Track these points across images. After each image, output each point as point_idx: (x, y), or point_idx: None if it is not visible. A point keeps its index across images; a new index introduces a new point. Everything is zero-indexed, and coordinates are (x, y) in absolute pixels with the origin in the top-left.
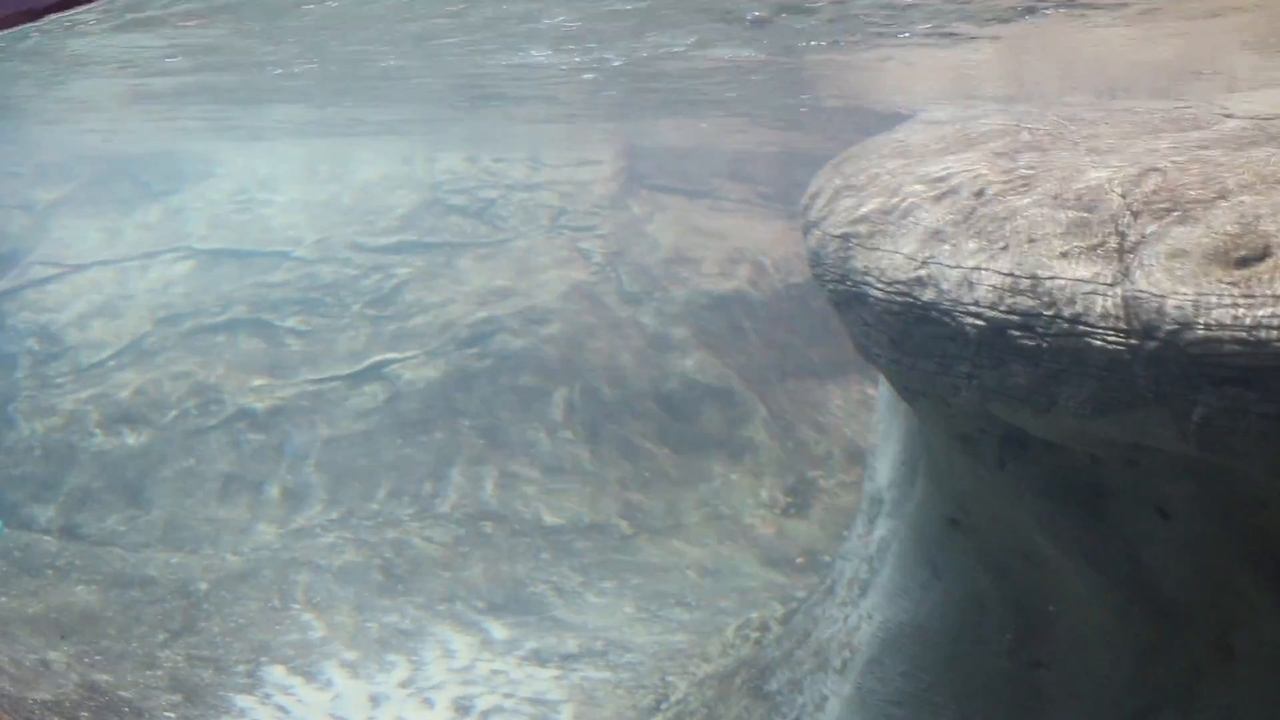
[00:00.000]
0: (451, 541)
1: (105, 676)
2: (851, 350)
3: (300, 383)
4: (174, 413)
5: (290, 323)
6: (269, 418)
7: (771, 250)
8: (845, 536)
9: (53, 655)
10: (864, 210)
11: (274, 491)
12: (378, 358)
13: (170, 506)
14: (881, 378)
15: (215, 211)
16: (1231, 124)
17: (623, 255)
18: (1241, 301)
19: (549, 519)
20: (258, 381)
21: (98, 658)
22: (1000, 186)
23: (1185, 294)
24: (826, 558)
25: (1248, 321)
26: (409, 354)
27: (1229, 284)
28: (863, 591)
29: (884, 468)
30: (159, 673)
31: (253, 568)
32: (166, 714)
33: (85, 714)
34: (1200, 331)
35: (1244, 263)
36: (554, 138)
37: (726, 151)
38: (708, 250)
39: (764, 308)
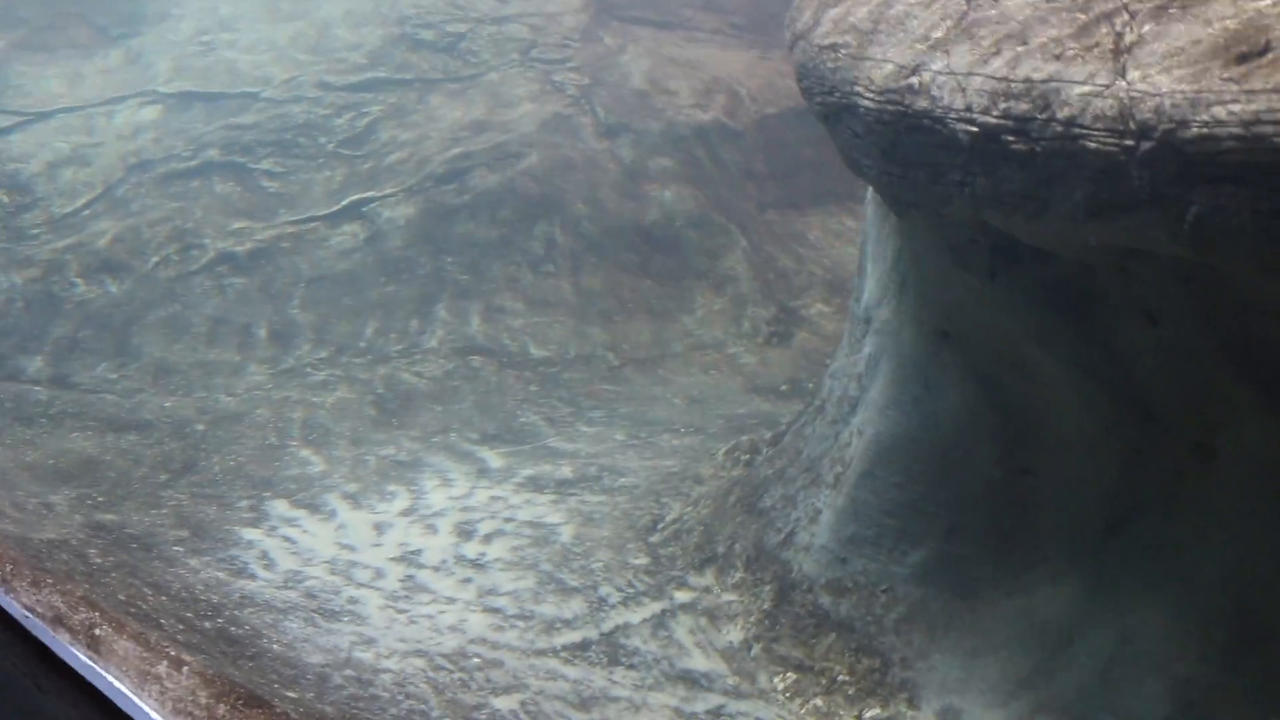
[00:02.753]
0: (441, 376)
1: (110, 516)
2: (830, 181)
3: (279, 224)
4: (155, 259)
5: (265, 164)
6: (251, 260)
7: (747, 81)
8: (830, 360)
9: (55, 499)
10: (852, 19)
11: (262, 333)
12: (355, 197)
13: (159, 352)
14: (869, 193)
15: (178, 54)
16: None
17: (597, 87)
18: (1240, 97)
19: (536, 351)
20: (237, 224)
21: (100, 499)
22: None
23: (1183, 91)
24: (810, 384)
25: (1245, 117)
26: (387, 192)
27: (1227, 79)
28: (853, 408)
29: (872, 286)
30: (163, 511)
31: (247, 407)
32: (175, 548)
33: (93, 550)
34: (1197, 129)
35: (1243, 59)
36: None
37: None
38: (682, 81)
39: (741, 138)
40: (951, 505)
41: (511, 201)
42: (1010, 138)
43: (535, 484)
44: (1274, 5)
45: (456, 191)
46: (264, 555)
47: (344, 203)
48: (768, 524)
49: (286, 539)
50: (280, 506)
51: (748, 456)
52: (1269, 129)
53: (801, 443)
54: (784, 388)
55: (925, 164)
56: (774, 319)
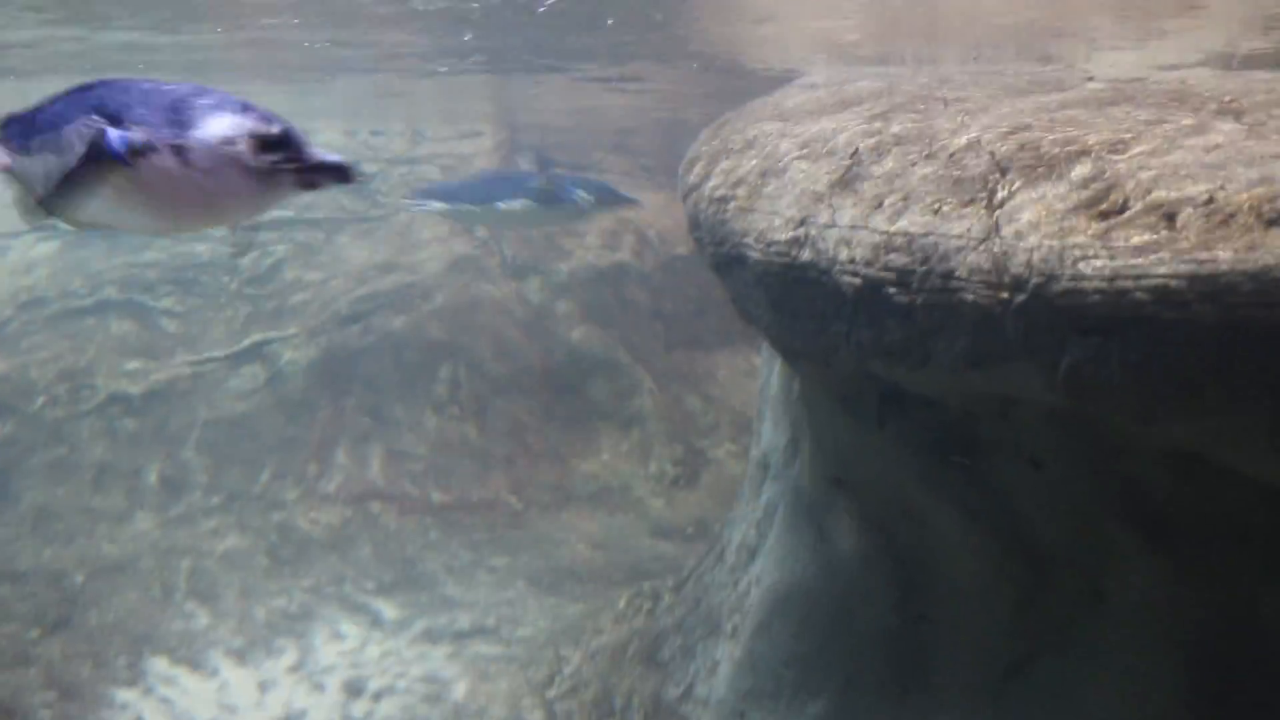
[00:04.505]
0: (338, 523)
1: None
2: (737, 321)
3: (177, 365)
4: (42, 399)
5: (165, 303)
6: (145, 402)
7: (656, 222)
8: (735, 504)
9: None
10: (742, 172)
11: (152, 478)
12: (257, 337)
13: (41, 498)
14: (764, 341)
15: None
16: (1092, 85)
17: (507, 228)
18: (1102, 253)
19: (437, 496)
20: (132, 364)
21: None
22: (875, 147)
23: (1051, 247)
24: (717, 526)
25: (1108, 273)
26: (290, 333)
27: (1090, 237)
28: (751, 556)
29: (769, 431)
30: (33, 670)
31: (131, 557)
32: (42, 712)
33: None
34: (1065, 284)
35: (1104, 216)
36: (432, 110)
37: (610, 124)
38: (591, 222)
39: (649, 279)
40: (849, 655)
41: (417, 343)
42: (892, 290)
43: (430, 636)
44: (1130, 167)
45: (361, 333)
46: (137, 719)
47: (245, 343)
48: (666, 677)
49: (164, 700)
50: (160, 664)
51: (650, 604)
52: (1128, 284)
53: (702, 591)
54: (690, 530)
55: (812, 315)
56: (681, 460)
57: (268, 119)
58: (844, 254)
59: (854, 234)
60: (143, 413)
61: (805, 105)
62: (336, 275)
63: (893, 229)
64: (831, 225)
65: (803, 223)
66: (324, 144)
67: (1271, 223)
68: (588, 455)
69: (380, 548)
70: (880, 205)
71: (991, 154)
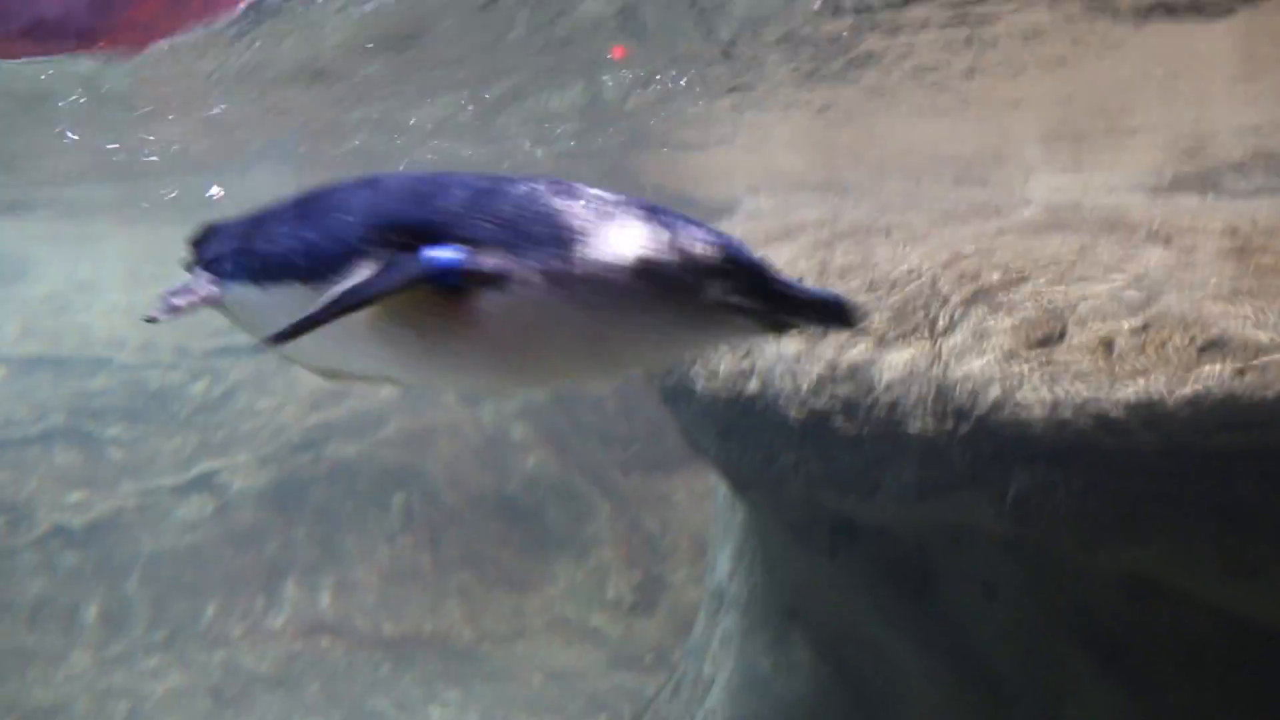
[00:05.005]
0: (285, 659)
1: None
2: None
3: (122, 495)
4: None
5: (112, 431)
6: (87, 534)
7: None
8: (692, 633)
9: None
10: None
11: (91, 614)
12: (206, 466)
13: None
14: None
15: (29, 314)
16: (1029, 211)
17: None
18: (1044, 382)
19: (389, 629)
20: (75, 495)
21: None
22: (818, 276)
23: (993, 376)
24: (676, 655)
25: (1050, 401)
26: (239, 461)
27: (1031, 365)
28: (707, 688)
29: (723, 561)
30: None
31: (64, 700)
32: None
33: None
34: (1008, 413)
35: (1044, 344)
36: None
37: None
38: None
39: (606, 401)
40: None
41: (369, 471)
42: (839, 421)
43: None
44: (1067, 295)
45: (312, 461)
46: None
47: (193, 473)
48: None
49: None
50: None
51: None
52: (1070, 413)
53: None
54: (648, 659)
55: (761, 446)
56: (639, 586)
57: (706, 234)
58: (790, 385)
59: (800, 365)
60: (85, 545)
61: (750, 234)
62: (290, 402)
63: (839, 359)
64: (778, 357)
65: (749, 354)
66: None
67: (1204, 350)
68: (544, 583)
69: (328, 685)
70: (825, 335)
71: (933, 283)
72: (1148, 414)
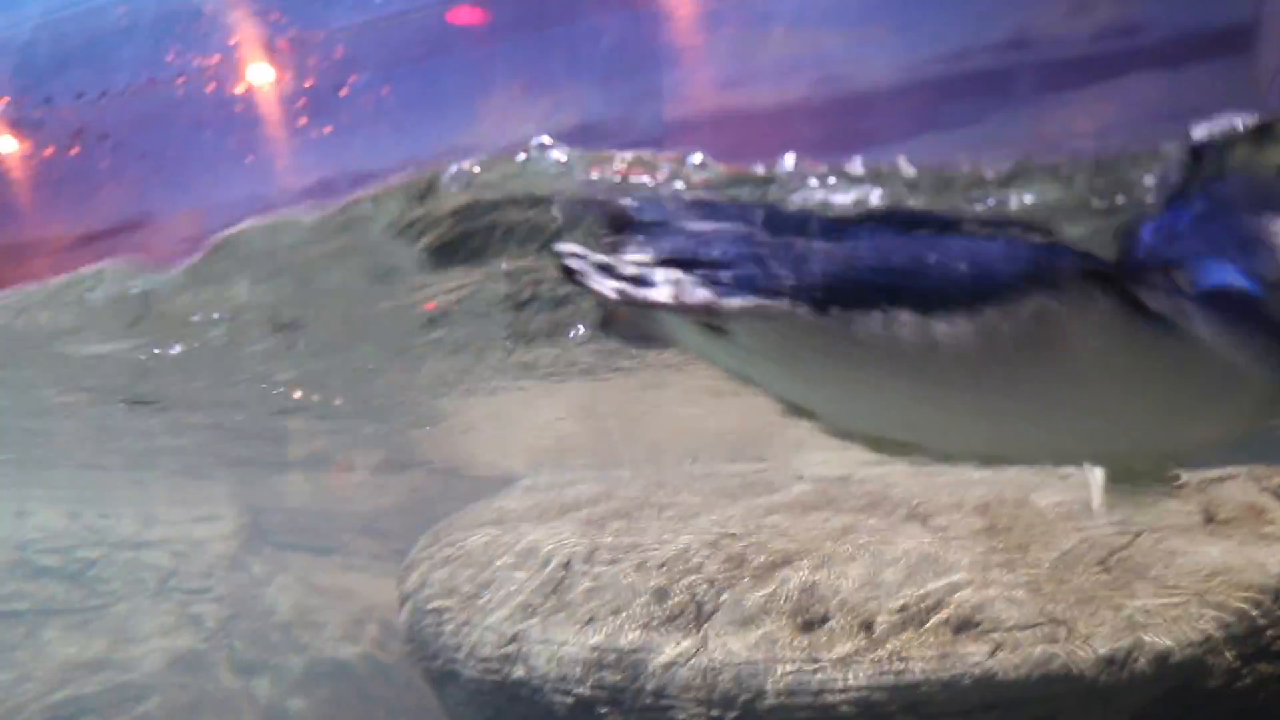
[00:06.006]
0: None
1: None
2: None
3: None
4: None
5: None
6: None
7: None
8: None
9: None
10: (456, 582)
11: None
12: None
13: None
14: None
15: None
16: (799, 488)
17: (238, 619)
18: (807, 666)
19: None
20: None
21: None
22: (588, 557)
23: (758, 663)
24: None
25: (814, 686)
26: None
27: (796, 650)
28: None
29: None
30: None
31: None
32: None
33: None
34: (772, 700)
35: (808, 628)
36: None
37: (360, 508)
38: (333, 612)
39: (394, 671)
40: None
41: None
42: (605, 709)
43: None
44: (830, 577)
45: None
46: None
47: None
48: None
49: None
50: None
51: None
52: (834, 696)
53: None
54: None
55: None
56: None
57: None
58: (555, 671)
59: (566, 650)
60: None
61: (525, 510)
62: (33, 675)
63: (604, 645)
64: (544, 641)
65: (515, 638)
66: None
67: (959, 630)
68: None
69: None
70: (592, 620)
71: (700, 566)
72: (907, 697)
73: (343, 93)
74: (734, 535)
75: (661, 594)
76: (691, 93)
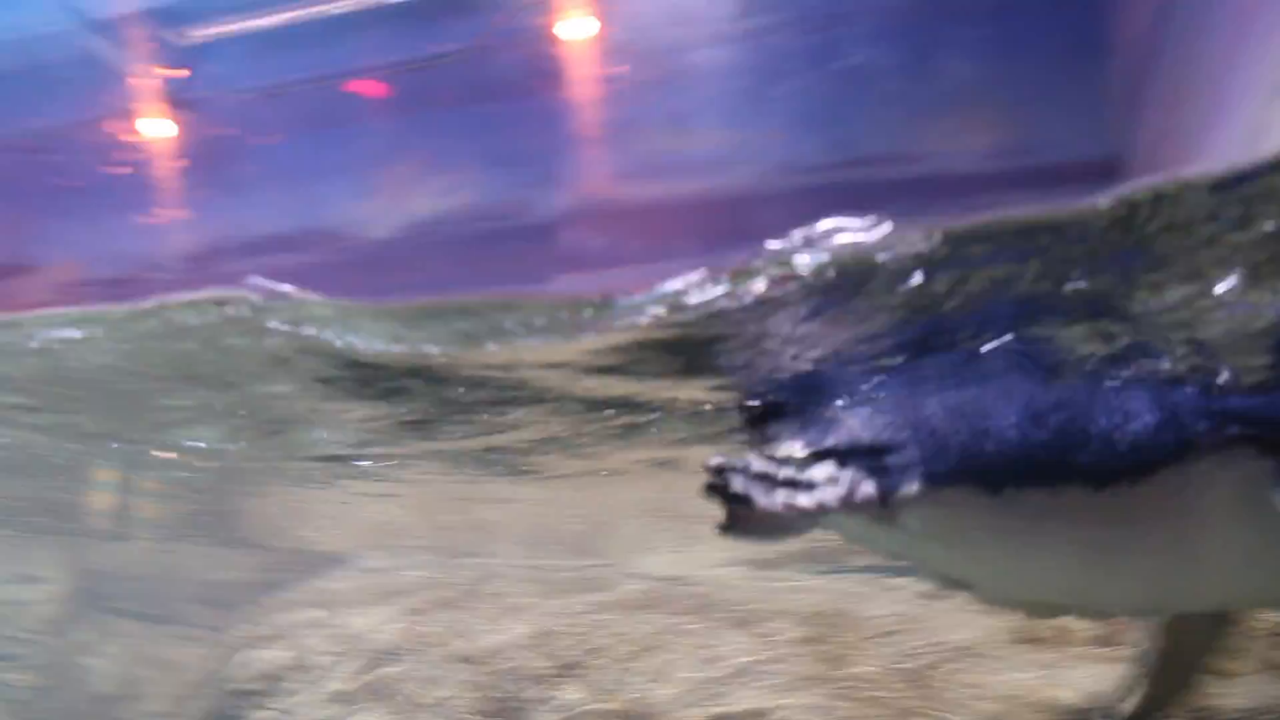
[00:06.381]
0: None
1: None
2: None
3: None
4: None
5: None
6: None
7: None
8: None
9: None
10: (272, 666)
11: None
12: None
13: None
14: None
15: None
16: (630, 586)
17: (53, 691)
18: None
19: None
20: None
21: None
22: (409, 646)
23: None
24: None
25: None
26: None
27: None
28: None
29: None
30: None
31: None
32: None
33: None
34: None
35: None
36: None
37: (197, 574)
38: (160, 685)
39: None
40: None
41: None
42: None
43: None
44: (644, 674)
45: None
46: None
47: None
48: None
49: None
50: None
51: None
52: None
53: None
54: None
55: None
56: None
57: None
58: None
59: None
60: None
61: (351, 593)
62: None
63: None
64: None
65: None
66: None
67: None
68: None
69: None
70: (405, 713)
71: (520, 662)
72: None
73: (238, 156)
74: (558, 632)
75: (479, 687)
76: (586, 182)
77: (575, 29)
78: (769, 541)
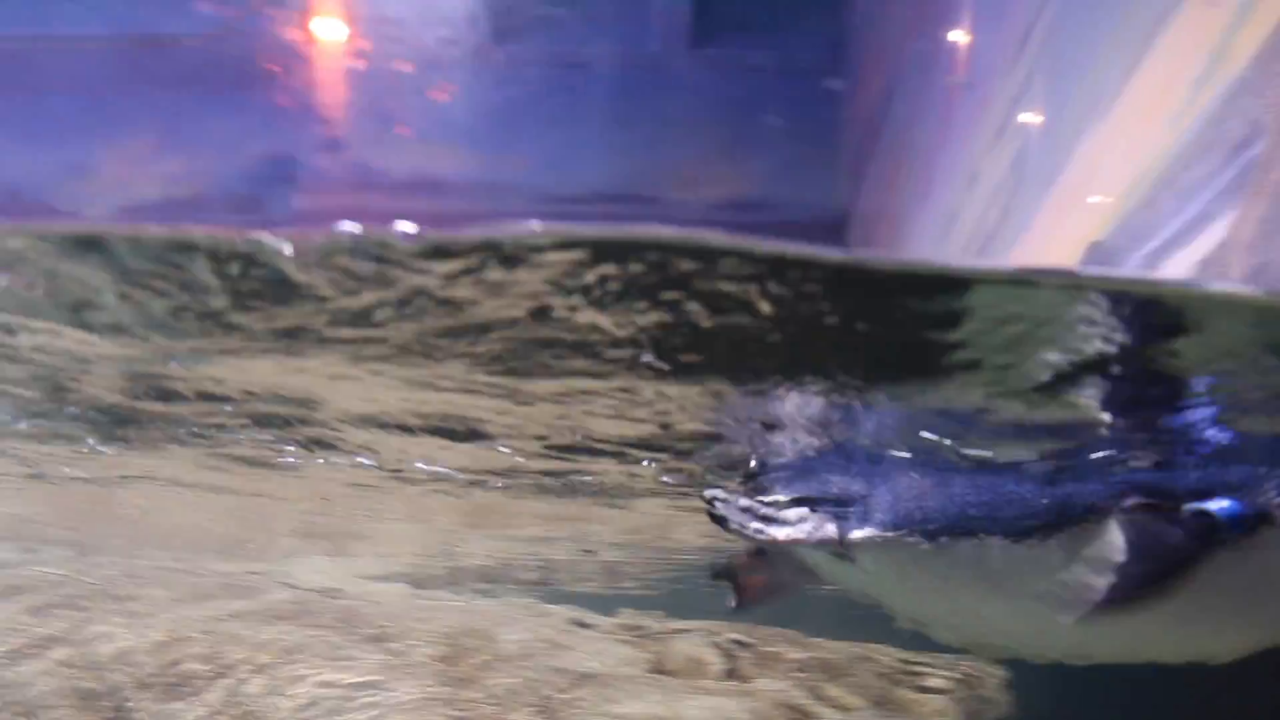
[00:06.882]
0: None
1: None
2: None
3: None
4: None
5: None
6: None
7: None
8: None
9: None
10: None
11: None
12: None
13: None
14: None
15: None
16: (275, 595)
17: None
18: None
19: None
20: None
21: None
22: (21, 648)
23: None
24: None
25: None
26: None
27: None
28: None
29: None
30: None
31: None
32: None
33: None
34: None
35: None
36: None
37: None
38: None
39: None
40: None
41: None
42: None
43: None
44: (260, 689)
45: None
46: None
47: None
48: None
49: None
50: None
51: None
52: None
53: None
54: None
55: None
56: None
57: None
58: None
59: None
60: None
61: None
62: None
63: None
64: None
65: None
66: None
67: None
68: None
69: None
70: None
71: (139, 668)
72: None
73: None
74: (187, 639)
75: (89, 695)
76: (325, 188)
77: (327, 30)
78: (772, 608)
